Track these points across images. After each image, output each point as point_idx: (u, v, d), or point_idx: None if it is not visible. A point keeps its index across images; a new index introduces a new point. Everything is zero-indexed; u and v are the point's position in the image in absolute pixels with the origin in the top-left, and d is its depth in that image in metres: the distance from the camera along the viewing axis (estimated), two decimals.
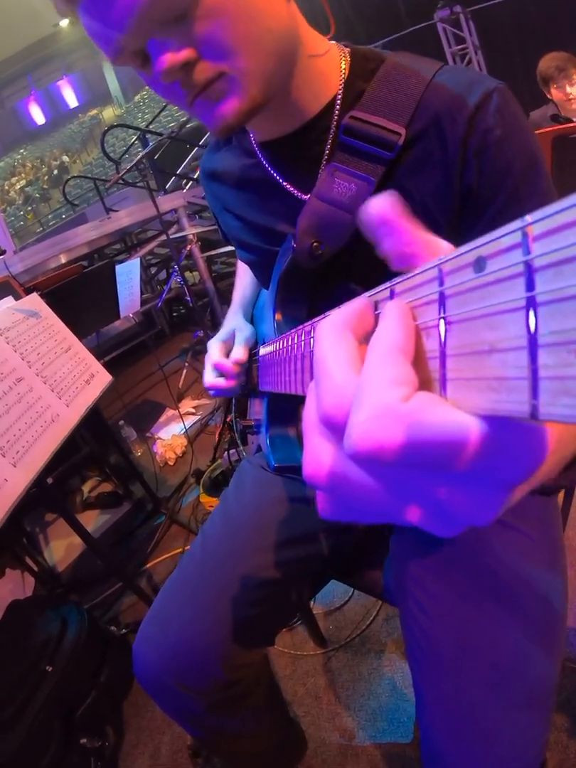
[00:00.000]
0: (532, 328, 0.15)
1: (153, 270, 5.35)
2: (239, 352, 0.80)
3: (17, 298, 1.39)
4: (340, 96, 0.59)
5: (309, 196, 0.61)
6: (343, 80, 0.59)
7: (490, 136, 0.52)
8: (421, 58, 0.58)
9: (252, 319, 0.95)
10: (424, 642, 0.65)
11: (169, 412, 3.21)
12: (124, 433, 2.83)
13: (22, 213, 19.77)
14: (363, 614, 1.46)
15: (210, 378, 0.82)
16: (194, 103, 0.52)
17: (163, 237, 3.31)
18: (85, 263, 3.45)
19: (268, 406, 0.83)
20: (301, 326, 0.44)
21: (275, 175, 0.66)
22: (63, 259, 3.62)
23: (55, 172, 20.82)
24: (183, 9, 0.46)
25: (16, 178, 22.40)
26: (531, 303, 0.15)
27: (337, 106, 0.59)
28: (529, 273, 0.15)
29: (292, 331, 0.51)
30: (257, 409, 0.90)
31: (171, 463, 2.67)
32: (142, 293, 4.03)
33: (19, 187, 21.70)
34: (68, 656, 1.23)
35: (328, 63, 0.59)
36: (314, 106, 0.60)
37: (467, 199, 0.56)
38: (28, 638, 1.26)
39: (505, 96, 0.54)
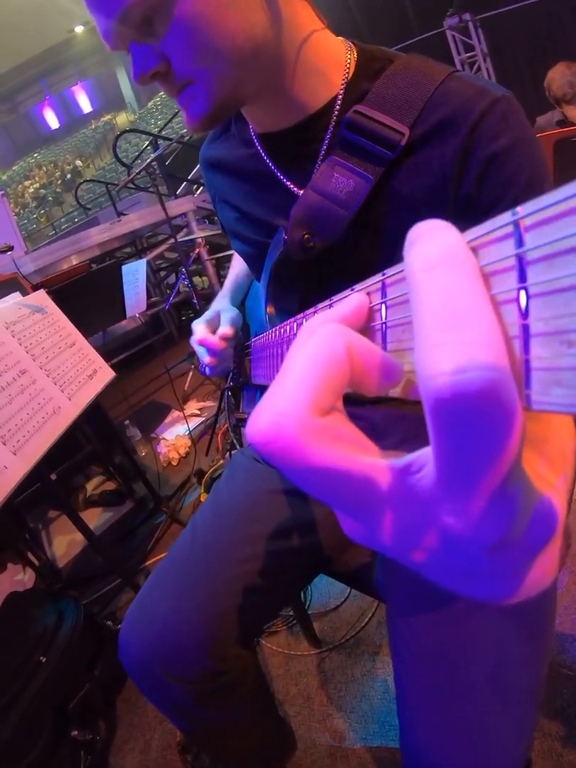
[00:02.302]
0: (525, 319, 0.15)
1: (162, 274, 5.39)
2: (225, 329, 0.82)
3: (24, 294, 1.41)
4: (341, 94, 0.59)
5: (305, 189, 0.61)
6: (346, 78, 0.59)
7: (495, 145, 0.52)
8: (431, 62, 0.58)
9: (243, 308, 0.96)
10: (407, 635, 0.65)
11: (174, 414, 3.23)
12: (129, 432, 2.85)
13: (35, 216, 19.97)
14: (358, 616, 1.46)
15: (202, 356, 0.84)
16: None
17: (172, 240, 3.35)
18: (93, 265, 3.48)
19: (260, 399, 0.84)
20: (292, 319, 0.44)
21: (273, 167, 0.66)
22: (74, 261, 3.66)
23: (69, 176, 21.06)
24: (147, 16, 0.50)
25: (30, 181, 22.67)
26: (523, 294, 0.15)
27: (338, 104, 0.59)
28: (521, 264, 0.15)
29: (284, 323, 0.51)
30: (251, 403, 0.91)
31: (174, 463, 2.68)
32: (150, 296, 4.07)
33: (32, 190, 21.95)
34: (62, 648, 1.24)
35: (330, 60, 0.59)
36: (315, 102, 0.60)
37: (467, 207, 0.55)
38: (24, 629, 1.27)
39: (511, 105, 0.53)
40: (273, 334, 0.59)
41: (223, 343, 0.81)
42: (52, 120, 25.74)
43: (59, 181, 21.34)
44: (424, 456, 0.18)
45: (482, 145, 0.52)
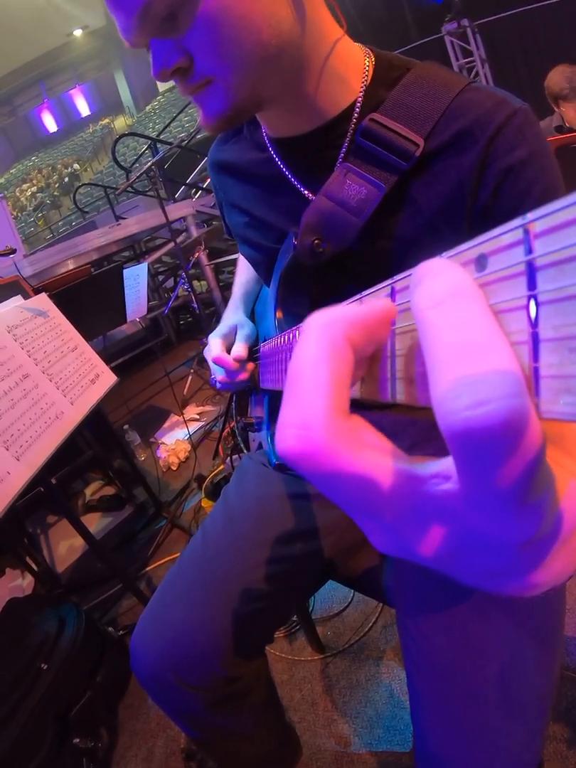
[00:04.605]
0: (534, 327, 0.15)
1: (161, 278, 5.40)
2: (239, 349, 0.81)
3: (26, 297, 1.40)
4: (360, 101, 0.59)
5: (317, 194, 0.61)
6: (365, 85, 0.59)
7: (513, 157, 0.52)
8: (448, 71, 0.58)
9: (253, 315, 0.95)
10: (420, 641, 0.64)
11: (174, 418, 3.23)
12: (129, 437, 2.85)
13: (32, 219, 19.94)
14: (361, 621, 1.45)
15: (216, 373, 0.84)
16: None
17: (171, 244, 3.35)
18: (92, 268, 3.48)
19: (269, 404, 0.84)
20: (301, 324, 0.43)
21: (287, 172, 0.65)
22: (71, 265, 3.66)
23: (67, 179, 21.04)
24: (172, 11, 0.49)
25: (28, 184, 22.63)
26: (532, 301, 0.15)
27: (356, 111, 0.59)
28: (531, 271, 0.15)
29: (293, 328, 0.51)
30: (259, 407, 0.90)
31: (174, 468, 2.68)
32: (149, 300, 4.07)
33: (30, 193, 21.93)
34: (64, 655, 1.23)
35: (350, 67, 0.59)
36: (334, 109, 0.60)
37: (483, 218, 0.55)
38: (25, 636, 1.26)
39: (528, 117, 0.54)
40: (281, 339, 0.59)
41: (237, 364, 0.81)
42: (51, 123, 25.70)
43: (57, 185, 21.31)
44: (449, 467, 0.18)
45: (499, 157, 0.52)
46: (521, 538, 0.17)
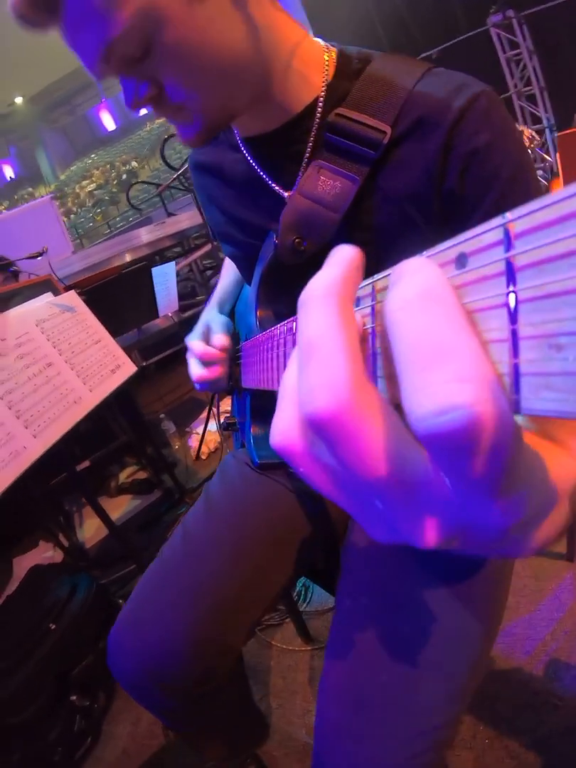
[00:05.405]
0: (514, 324, 0.15)
1: (209, 273, 5.48)
2: (220, 338, 0.82)
3: (57, 294, 1.53)
4: (322, 95, 0.60)
5: (292, 192, 0.61)
6: (326, 80, 0.60)
7: (477, 141, 0.52)
8: (409, 60, 0.59)
9: (233, 314, 0.97)
10: (344, 619, 0.66)
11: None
12: (164, 426, 2.95)
13: (91, 215, 20.76)
14: None
15: (197, 371, 0.83)
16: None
17: (209, 246, 3.44)
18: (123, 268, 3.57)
19: (250, 403, 0.84)
20: (283, 322, 0.43)
21: (259, 170, 0.67)
22: (127, 257, 3.76)
23: (124, 176, 21.74)
24: (140, 53, 0.51)
25: (87, 181, 23.53)
26: (512, 299, 0.15)
27: (320, 105, 0.60)
28: (510, 270, 0.15)
29: (274, 327, 0.51)
30: (240, 407, 0.92)
31: (204, 456, 2.76)
32: (196, 295, 4.14)
33: (89, 190, 22.78)
34: (72, 618, 1.34)
35: (310, 63, 0.60)
36: (297, 105, 0.61)
37: (452, 202, 0.55)
38: (40, 598, 1.38)
39: (491, 100, 0.53)
40: (263, 338, 0.58)
41: (222, 353, 0.81)
42: (109, 122, 26.48)
43: (115, 182, 22.07)
44: None
45: (463, 141, 0.52)
46: (507, 523, 0.18)
